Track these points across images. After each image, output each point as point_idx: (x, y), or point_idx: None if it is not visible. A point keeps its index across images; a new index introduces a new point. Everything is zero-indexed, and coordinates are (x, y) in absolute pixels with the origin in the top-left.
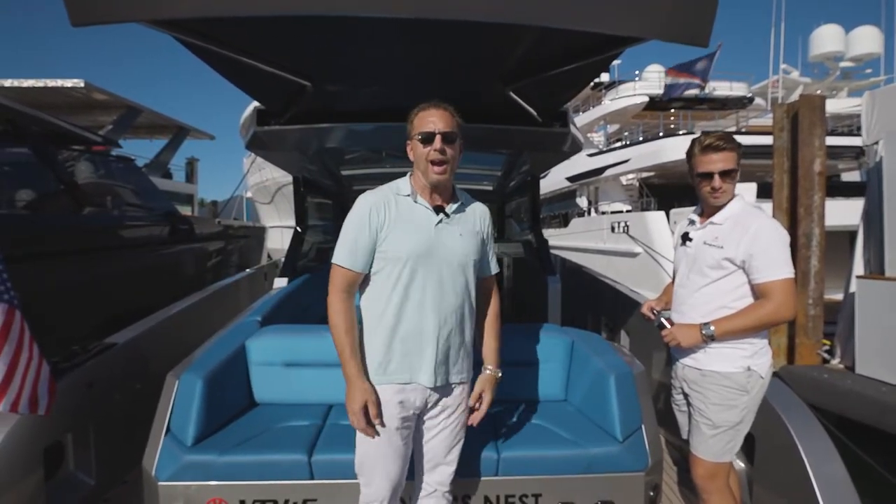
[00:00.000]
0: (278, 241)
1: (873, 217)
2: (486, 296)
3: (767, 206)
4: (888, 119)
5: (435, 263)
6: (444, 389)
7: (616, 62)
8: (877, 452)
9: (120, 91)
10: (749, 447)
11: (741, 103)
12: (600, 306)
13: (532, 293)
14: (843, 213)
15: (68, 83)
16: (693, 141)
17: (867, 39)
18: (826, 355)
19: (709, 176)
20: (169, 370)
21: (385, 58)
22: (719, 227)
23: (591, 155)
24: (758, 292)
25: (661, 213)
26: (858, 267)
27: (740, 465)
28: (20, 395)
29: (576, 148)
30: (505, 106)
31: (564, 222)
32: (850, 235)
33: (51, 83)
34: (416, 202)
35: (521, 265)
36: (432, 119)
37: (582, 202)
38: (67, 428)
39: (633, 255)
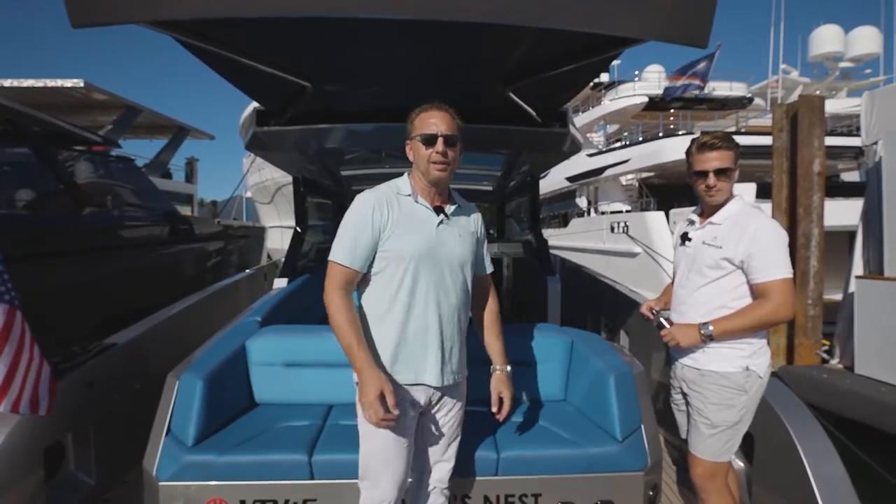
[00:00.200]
0: (278, 241)
1: (872, 217)
2: (483, 295)
3: (767, 206)
4: (887, 119)
5: (437, 263)
6: (446, 388)
7: (615, 62)
8: (876, 452)
9: (120, 91)
10: (748, 447)
11: (741, 103)
12: (600, 306)
13: (532, 293)
14: (843, 213)
15: (68, 83)
16: (692, 140)
17: (867, 40)
18: (825, 355)
19: (704, 174)
20: (169, 370)
21: (384, 58)
22: (718, 227)
23: (590, 155)
24: (756, 292)
25: (661, 214)
26: (858, 267)
27: (739, 464)
28: (21, 396)
29: (575, 148)
30: (504, 106)
31: (564, 222)
32: (850, 235)
33: (50, 83)
34: (417, 202)
35: (520, 265)
36: (434, 121)
37: (581, 202)
38: (68, 428)
39: (633, 255)
